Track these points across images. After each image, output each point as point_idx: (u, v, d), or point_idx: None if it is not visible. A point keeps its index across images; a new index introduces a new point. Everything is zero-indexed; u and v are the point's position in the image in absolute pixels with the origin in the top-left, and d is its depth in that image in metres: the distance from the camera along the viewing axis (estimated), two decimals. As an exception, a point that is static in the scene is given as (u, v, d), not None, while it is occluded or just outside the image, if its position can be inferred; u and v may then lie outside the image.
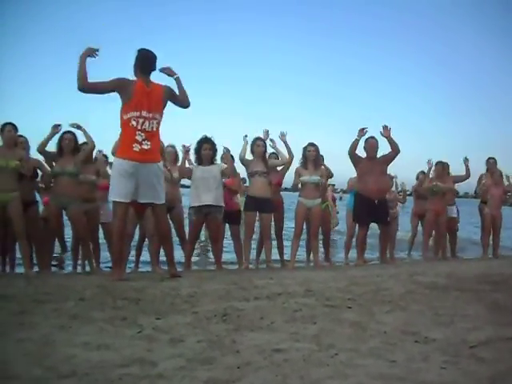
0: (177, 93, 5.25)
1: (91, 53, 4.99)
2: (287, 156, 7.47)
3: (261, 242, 7.73)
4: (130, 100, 4.96)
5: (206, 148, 6.84)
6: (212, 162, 6.92)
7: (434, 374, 2.19)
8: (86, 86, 4.95)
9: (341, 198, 23.82)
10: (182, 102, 5.31)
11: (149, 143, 4.99)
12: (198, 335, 2.79)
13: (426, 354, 2.46)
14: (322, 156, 8.08)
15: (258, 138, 7.37)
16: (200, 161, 6.88)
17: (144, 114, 4.97)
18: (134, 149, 4.94)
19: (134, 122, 4.95)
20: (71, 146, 6.34)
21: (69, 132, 6.41)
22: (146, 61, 5.12)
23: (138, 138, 4.95)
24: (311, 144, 7.57)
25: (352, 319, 3.19)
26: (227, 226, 7.66)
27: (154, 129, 5.07)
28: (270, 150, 7.61)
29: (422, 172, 9.73)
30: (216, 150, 6.99)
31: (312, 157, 7.46)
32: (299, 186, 7.54)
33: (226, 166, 6.93)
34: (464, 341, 2.70)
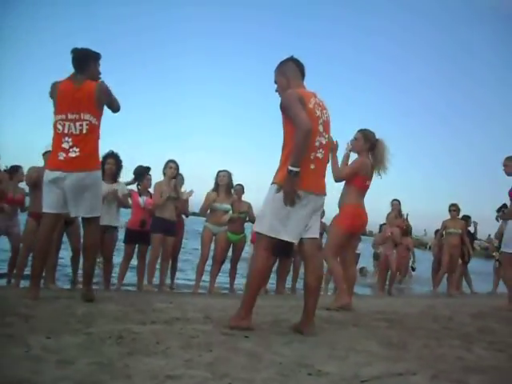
0: (111, 92, 4.72)
1: None
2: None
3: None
4: (56, 102, 4.57)
5: (109, 162, 6.65)
6: (115, 179, 6.77)
7: (325, 407, 2.21)
8: None
9: None
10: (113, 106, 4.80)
11: (77, 150, 4.49)
12: (89, 357, 2.67)
13: (319, 387, 2.48)
14: (242, 186, 8.16)
15: (171, 161, 7.33)
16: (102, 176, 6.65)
17: (70, 116, 4.49)
18: (59, 157, 4.51)
19: (59, 127, 4.53)
20: None
21: None
22: (77, 59, 4.60)
23: (65, 145, 4.48)
24: (223, 170, 7.64)
25: (248, 349, 3.17)
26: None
27: (84, 131, 4.50)
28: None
29: None
30: (121, 167, 6.85)
31: (224, 183, 7.52)
32: (208, 211, 7.58)
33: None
34: (356, 375, 2.74)
